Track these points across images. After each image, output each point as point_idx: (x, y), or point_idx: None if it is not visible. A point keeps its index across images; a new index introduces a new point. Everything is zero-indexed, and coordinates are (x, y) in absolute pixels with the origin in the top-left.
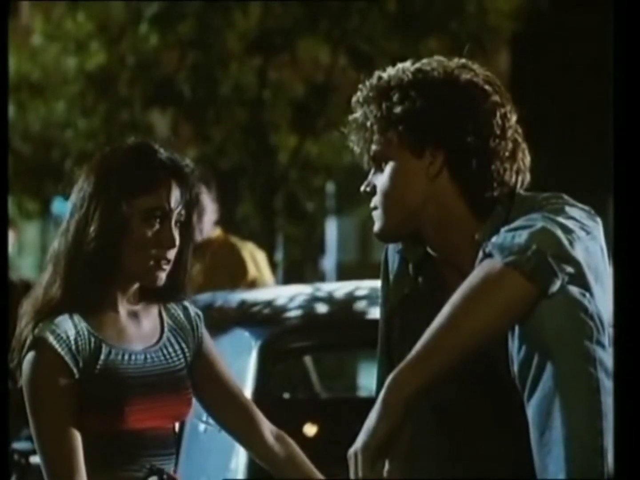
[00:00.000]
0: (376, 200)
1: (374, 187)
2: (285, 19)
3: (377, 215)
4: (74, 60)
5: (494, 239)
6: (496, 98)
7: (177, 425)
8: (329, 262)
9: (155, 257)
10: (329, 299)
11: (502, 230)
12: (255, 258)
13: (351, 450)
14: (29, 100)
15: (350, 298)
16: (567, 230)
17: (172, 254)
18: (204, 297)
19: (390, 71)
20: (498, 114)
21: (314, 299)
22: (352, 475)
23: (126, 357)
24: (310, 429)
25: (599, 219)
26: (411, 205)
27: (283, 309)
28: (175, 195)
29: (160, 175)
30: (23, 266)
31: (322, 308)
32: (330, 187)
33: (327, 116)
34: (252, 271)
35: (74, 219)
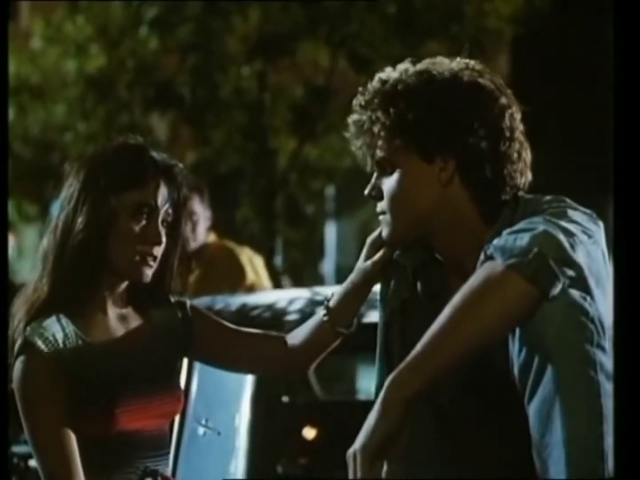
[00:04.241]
0: (384, 206)
1: (380, 191)
2: (285, 23)
3: (386, 220)
4: (74, 63)
5: (495, 241)
6: (504, 100)
7: (172, 425)
8: (328, 265)
9: (141, 252)
10: None
11: (504, 232)
12: (253, 263)
13: (350, 451)
14: (29, 104)
15: None
16: (569, 234)
17: (158, 250)
18: (204, 300)
19: (393, 74)
20: (507, 116)
21: (313, 302)
22: (350, 476)
23: (115, 359)
24: (309, 432)
25: (601, 223)
26: (422, 211)
27: (283, 312)
28: (163, 192)
29: (148, 172)
30: (22, 269)
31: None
32: (329, 190)
33: (327, 120)
34: (250, 276)
35: (62, 215)
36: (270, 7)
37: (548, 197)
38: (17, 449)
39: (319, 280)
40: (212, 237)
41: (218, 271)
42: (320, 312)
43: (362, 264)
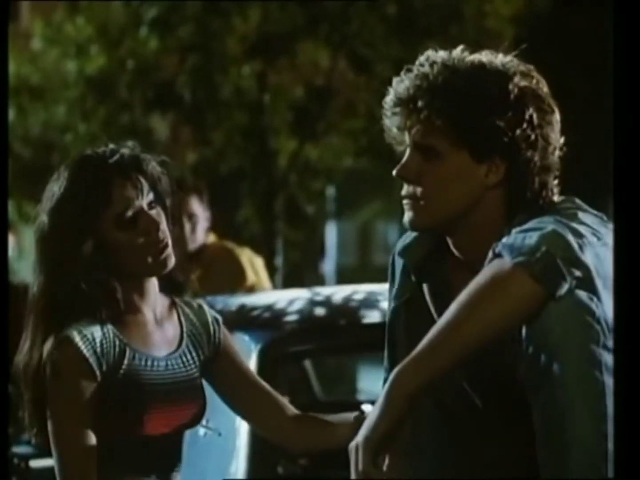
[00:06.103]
0: (420, 191)
1: (414, 174)
2: (285, 23)
3: (417, 206)
4: (74, 64)
5: (504, 240)
6: (557, 114)
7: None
8: (328, 265)
9: (149, 244)
10: (328, 303)
11: (513, 231)
12: (253, 263)
13: (352, 444)
14: (29, 104)
15: (349, 302)
16: (578, 235)
17: (161, 234)
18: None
19: (457, 68)
20: (556, 128)
21: (313, 303)
22: (352, 469)
23: (149, 363)
24: None
25: (611, 226)
26: (460, 206)
27: (283, 313)
28: (132, 189)
29: (108, 183)
30: (22, 269)
31: (321, 312)
32: (330, 190)
33: (327, 120)
34: (251, 277)
35: (52, 249)
36: (270, 7)
37: (558, 198)
38: (18, 449)
39: (319, 281)
40: (211, 238)
41: (218, 272)
42: (352, 419)
43: None
